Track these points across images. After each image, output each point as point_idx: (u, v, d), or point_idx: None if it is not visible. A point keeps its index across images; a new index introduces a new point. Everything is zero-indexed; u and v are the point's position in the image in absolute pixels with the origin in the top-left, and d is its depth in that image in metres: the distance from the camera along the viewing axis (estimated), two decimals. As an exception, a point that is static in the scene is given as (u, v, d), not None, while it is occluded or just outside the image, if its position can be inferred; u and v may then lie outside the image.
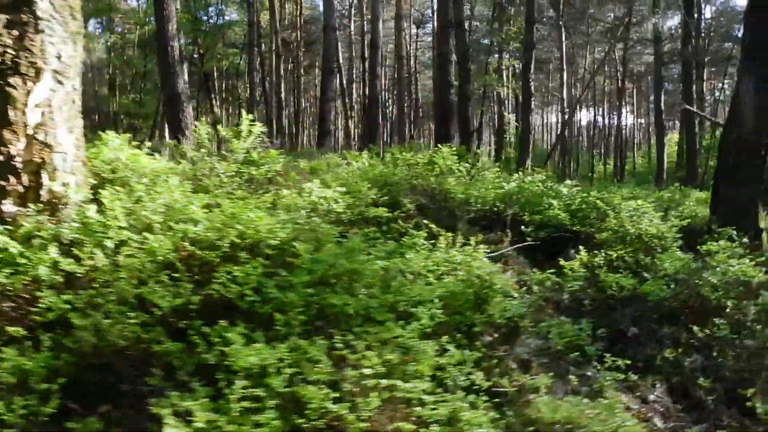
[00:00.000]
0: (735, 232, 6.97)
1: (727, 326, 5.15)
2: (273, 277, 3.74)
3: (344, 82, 33.49)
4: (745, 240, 6.93)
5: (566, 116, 32.30)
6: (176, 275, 3.71)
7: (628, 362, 4.65)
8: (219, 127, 5.35)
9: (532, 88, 11.98)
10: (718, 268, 5.47)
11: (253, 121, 5.35)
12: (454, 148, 7.36)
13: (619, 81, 36.50)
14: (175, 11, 17.82)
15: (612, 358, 4.61)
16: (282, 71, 26.65)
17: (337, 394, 2.97)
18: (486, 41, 33.09)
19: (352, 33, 38.02)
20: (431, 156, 6.79)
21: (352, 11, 37.23)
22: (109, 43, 39.52)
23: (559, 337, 4.81)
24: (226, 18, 42.12)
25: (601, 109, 45.43)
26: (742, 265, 5.59)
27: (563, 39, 34.19)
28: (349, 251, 4.00)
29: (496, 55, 31.90)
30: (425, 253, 4.92)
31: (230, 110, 50.08)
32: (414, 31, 43.60)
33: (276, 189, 4.89)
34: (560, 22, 34.03)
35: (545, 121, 56.76)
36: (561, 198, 7.03)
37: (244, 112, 5.40)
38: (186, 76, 34.51)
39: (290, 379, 3.03)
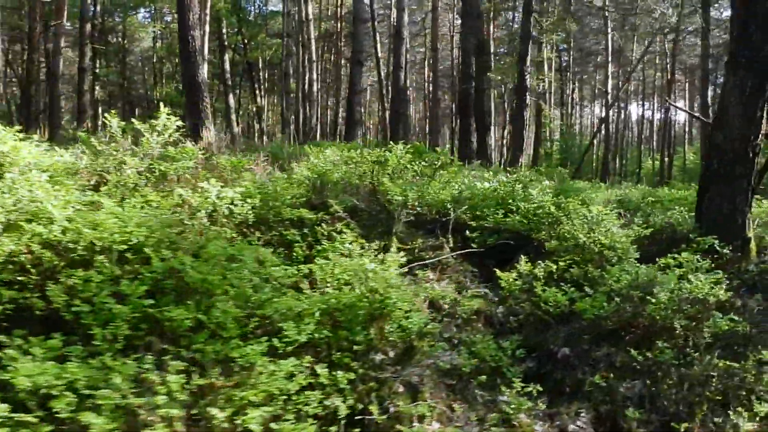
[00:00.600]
0: (717, 242, 6.38)
1: (671, 350, 4.63)
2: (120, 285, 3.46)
3: (381, 73, 33.06)
4: (727, 250, 6.33)
5: (609, 110, 31.20)
6: (22, 279, 3.49)
7: (540, 388, 4.22)
8: (135, 121, 5.08)
9: (528, 81, 11.32)
10: (671, 284, 4.93)
11: (170, 114, 5.09)
12: (410, 145, 6.92)
13: (668, 74, 34.97)
14: (197, 2, 17.84)
15: (521, 383, 4.17)
16: (307, 62, 26.40)
17: (116, 424, 2.67)
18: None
19: (392, 23, 37.50)
20: (380, 154, 6.34)
21: (392, 1, 36.67)
22: (155, 33, 40.26)
23: (471, 356, 4.40)
24: (269, 8, 42.49)
25: (650, 103, 43.72)
26: (700, 281, 5.03)
27: (609, 30, 33.17)
28: (211, 257, 3.68)
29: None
30: (337, 260, 4.55)
31: (275, 100, 50.40)
32: (459, 21, 42.68)
33: (182, 187, 4.60)
34: (605, 14, 32.98)
35: (594, 115, 54.78)
36: (529, 201, 6.53)
37: (161, 105, 5.12)
38: (228, 66, 34.87)
39: (82, 403, 2.75)
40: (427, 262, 5.31)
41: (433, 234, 5.87)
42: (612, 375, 4.60)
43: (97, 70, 31.75)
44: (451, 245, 5.74)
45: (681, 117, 45.62)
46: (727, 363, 4.47)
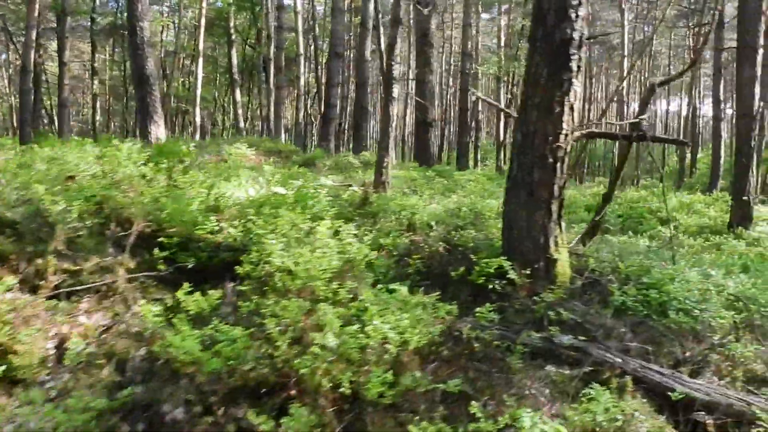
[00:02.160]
0: (509, 264, 5.20)
1: (308, 415, 3.53)
2: None
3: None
4: (514, 275, 5.13)
5: (609, 103, 29.57)
6: None
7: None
8: None
9: (394, 71, 10.04)
10: (336, 327, 3.80)
11: None
12: (139, 143, 5.90)
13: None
14: (146, -7, 17.18)
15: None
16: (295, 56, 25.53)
17: None
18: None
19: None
20: (103, 152, 5.31)
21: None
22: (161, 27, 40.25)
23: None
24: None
25: (679, 99, 41.20)
26: (402, 321, 3.90)
27: (625, 22, 31.97)
28: None
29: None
30: None
31: (295, 94, 49.85)
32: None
33: None
34: (621, 5, 31.92)
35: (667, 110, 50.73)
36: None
37: None
38: (235, 60, 34.29)
39: None
40: (77, 288, 4.32)
41: (124, 252, 4.84)
42: (225, 448, 3.53)
43: (96, 65, 31.58)
44: (132, 266, 4.70)
45: (708, 111, 42.73)
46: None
